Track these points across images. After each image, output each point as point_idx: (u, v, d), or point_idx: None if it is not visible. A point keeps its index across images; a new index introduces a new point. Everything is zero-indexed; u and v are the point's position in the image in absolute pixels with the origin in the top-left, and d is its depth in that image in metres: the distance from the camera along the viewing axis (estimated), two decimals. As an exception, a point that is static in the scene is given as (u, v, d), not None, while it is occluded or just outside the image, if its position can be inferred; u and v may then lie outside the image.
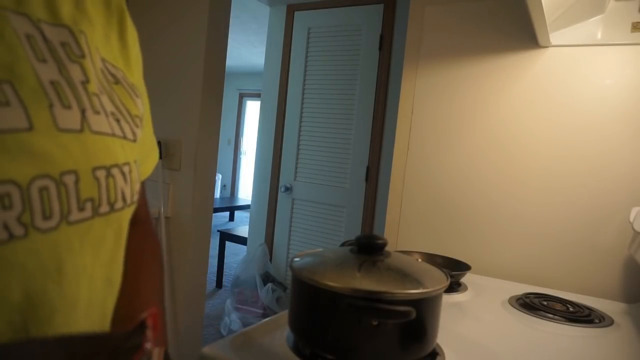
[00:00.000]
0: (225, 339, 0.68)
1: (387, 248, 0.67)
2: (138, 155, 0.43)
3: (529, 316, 0.91)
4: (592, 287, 1.14)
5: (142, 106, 0.45)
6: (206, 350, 0.65)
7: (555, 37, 1.18)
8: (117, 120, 0.39)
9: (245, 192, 7.30)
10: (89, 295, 0.36)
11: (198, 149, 1.73)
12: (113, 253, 0.40)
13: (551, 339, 0.82)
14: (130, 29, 0.47)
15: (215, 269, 3.69)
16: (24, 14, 0.33)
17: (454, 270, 1.04)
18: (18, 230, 0.29)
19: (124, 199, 0.38)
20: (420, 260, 0.95)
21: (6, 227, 0.28)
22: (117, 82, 0.42)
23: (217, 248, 3.60)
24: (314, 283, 0.60)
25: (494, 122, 1.29)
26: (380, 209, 2.54)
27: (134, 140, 0.42)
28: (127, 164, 0.39)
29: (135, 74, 0.47)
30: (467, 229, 1.32)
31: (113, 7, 0.44)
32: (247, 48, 5.02)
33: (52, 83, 0.33)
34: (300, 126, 2.82)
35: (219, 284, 3.65)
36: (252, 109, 7.26)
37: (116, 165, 0.37)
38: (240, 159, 7.46)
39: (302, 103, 2.81)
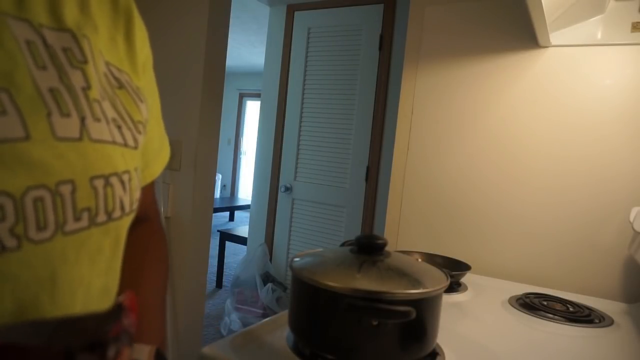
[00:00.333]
0: (225, 339, 0.68)
1: (387, 248, 0.67)
2: (139, 162, 0.43)
3: (529, 316, 0.91)
4: (592, 287, 1.14)
5: (146, 111, 0.45)
6: (206, 350, 0.65)
7: (555, 37, 1.18)
8: (119, 127, 0.39)
9: (245, 192, 7.30)
10: (84, 304, 0.35)
11: (198, 149, 1.73)
12: (110, 262, 0.39)
13: (551, 339, 0.82)
14: (139, 30, 0.46)
15: (215, 269, 3.69)
16: (26, 19, 0.32)
17: (454, 270, 1.04)
18: (10, 242, 0.29)
19: (122, 207, 0.38)
20: (420, 260, 0.95)
21: None
22: (121, 86, 0.41)
23: (217, 248, 3.61)
24: (314, 283, 0.60)
25: (494, 122, 1.29)
26: (380, 209, 2.54)
27: (135, 148, 0.42)
28: (127, 172, 0.39)
29: (143, 76, 0.46)
30: (467, 229, 1.32)
31: (120, 8, 0.43)
32: (247, 48, 5.02)
33: (51, 91, 0.32)
34: (300, 126, 2.82)
35: (219, 284, 3.65)
36: (252, 109, 7.26)
37: (115, 174, 0.37)
38: (240, 159, 7.46)
39: (302, 103, 2.81)
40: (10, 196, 0.29)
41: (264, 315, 2.76)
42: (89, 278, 0.35)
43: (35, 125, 0.31)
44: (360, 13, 2.60)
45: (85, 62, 0.36)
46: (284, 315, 0.76)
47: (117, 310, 0.26)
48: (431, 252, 1.18)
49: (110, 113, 0.38)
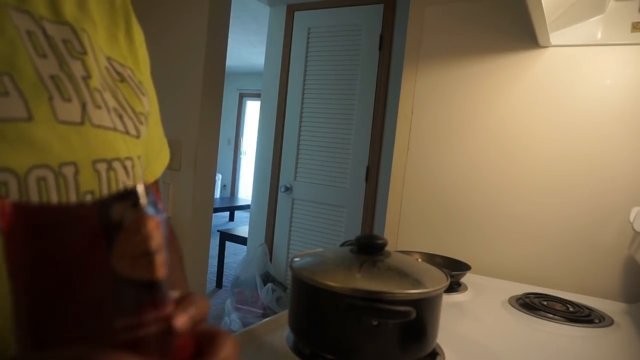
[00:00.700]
0: (225, 339, 0.68)
1: (387, 248, 0.67)
2: (142, 151, 0.43)
3: (529, 316, 0.91)
4: (592, 287, 1.14)
5: (147, 104, 0.45)
6: (206, 350, 0.64)
7: (555, 37, 1.18)
8: (120, 116, 0.39)
9: (245, 192, 7.30)
10: None
11: (198, 149, 1.73)
12: None
13: (551, 339, 0.82)
14: (137, 33, 0.47)
15: (215, 269, 3.69)
16: (26, 11, 0.33)
17: (454, 270, 1.04)
18: None
19: None
20: (420, 260, 0.95)
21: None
22: (122, 80, 0.42)
23: (217, 248, 3.61)
24: (314, 283, 0.60)
25: (494, 122, 1.29)
26: (380, 209, 2.54)
27: (137, 137, 0.42)
28: (130, 158, 0.39)
29: (144, 74, 0.47)
30: (467, 229, 1.32)
31: (117, 7, 0.44)
32: (247, 48, 5.02)
33: (52, 77, 0.33)
34: (300, 126, 2.82)
35: (219, 284, 3.65)
36: (252, 109, 7.26)
37: (118, 159, 0.37)
38: (240, 159, 7.46)
39: (302, 103, 2.81)
40: (14, 174, 0.29)
41: (264, 315, 2.76)
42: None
43: (37, 107, 0.31)
44: (360, 13, 2.60)
45: (85, 53, 0.37)
46: (284, 315, 0.76)
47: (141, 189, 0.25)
48: (431, 252, 1.18)
49: (112, 103, 0.39)
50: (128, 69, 0.43)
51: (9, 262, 0.23)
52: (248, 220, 3.15)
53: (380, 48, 2.53)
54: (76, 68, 0.35)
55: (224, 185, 7.41)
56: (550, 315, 0.91)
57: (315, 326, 0.63)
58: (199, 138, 1.73)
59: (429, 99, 1.39)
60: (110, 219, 0.23)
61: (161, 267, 0.24)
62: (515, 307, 0.96)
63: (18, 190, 0.29)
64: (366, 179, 2.59)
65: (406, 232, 1.42)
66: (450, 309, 0.90)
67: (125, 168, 0.38)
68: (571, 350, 0.78)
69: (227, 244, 3.74)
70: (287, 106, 2.88)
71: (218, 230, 3.73)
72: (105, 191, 0.35)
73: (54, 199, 0.31)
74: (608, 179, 1.14)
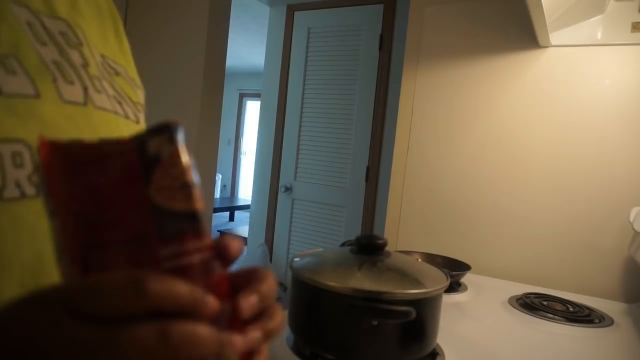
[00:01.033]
0: (225, 339, 0.68)
1: (387, 248, 0.67)
2: None
3: (529, 316, 0.91)
4: (592, 287, 1.14)
5: (143, 98, 0.47)
6: (206, 350, 0.64)
7: (555, 37, 1.18)
8: (119, 103, 0.40)
9: (245, 192, 7.29)
10: None
11: (198, 149, 1.73)
12: None
13: (551, 339, 0.82)
14: (126, 40, 0.48)
15: (215, 269, 3.68)
16: (24, 5, 0.34)
17: (454, 270, 1.04)
18: (29, 190, 0.30)
19: None
20: (420, 260, 0.95)
21: (18, 185, 0.29)
22: (117, 74, 0.43)
23: (217, 248, 3.59)
24: (314, 283, 0.60)
25: (494, 121, 1.29)
26: (380, 209, 2.54)
27: (137, 122, 0.43)
28: None
29: (136, 76, 0.48)
30: (467, 229, 1.32)
31: (104, 11, 0.45)
32: (247, 48, 5.02)
33: (54, 62, 0.34)
34: (300, 126, 2.82)
35: (219, 284, 3.64)
36: (252, 109, 7.25)
37: None
38: (240, 159, 7.46)
39: (302, 103, 2.81)
40: (26, 145, 0.30)
41: (264, 315, 2.75)
42: None
43: (43, 87, 0.32)
44: (360, 13, 2.60)
45: (81, 44, 0.38)
46: (284, 315, 0.76)
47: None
48: (431, 252, 1.18)
49: (110, 91, 0.40)
50: (121, 66, 0.44)
51: (52, 198, 0.24)
52: (248, 220, 3.14)
53: (380, 48, 2.53)
54: (75, 56, 0.37)
55: (224, 185, 7.40)
56: (550, 315, 0.91)
57: (315, 326, 0.63)
58: (199, 138, 1.73)
59: (429, 99, 1.39)
60: (148, 153, 0.24)
61: (198, 199, 0.25)
62: (515, 307, 0.96)
63: (32, 162, 0.30)
64: (366, 179, 2.59)
65: (406, 232, 1.42)
66: (450, 309, 0.90)
67: None
68: (571, 350, 0.78)
69: (227, 244, 3.72)
70: (287, 106, 2.88)
71: (218, 230, 3.73)
72: None
73: None
74: (608, 179, 1.14)
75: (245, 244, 3.27)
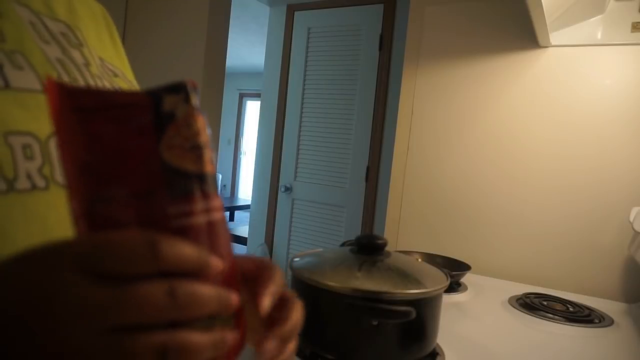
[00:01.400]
0: (225, 339, 0.68)
1: (387, 248, 0.67)
2: None
3: (529, 316, 0.91)
4: (592, 287, 1.14)
5: None
6: (206, 350, 0.64)
7: (555, 37, 1.18)
8: None
9: (245, 192, 7.29)
10: None
11: (198, 149, 1.73)
12: None
13: (551, 339, 0.82)
14: (121, 47, 0.49)
15: (215, 269, 3.68)
16: (26, 5, 0.35)
17: (454, 270, 1.04)
18: (40, 182, 0.30)
19: None
20: (420, 260, 0.95)
21: (29, 176, 0.29)
22: (116, 75, 0.44)
23: (217, 248, 3.59)
24: (314, 283, 0.60)
25: (494, 121, 1.29)
26: (380, 209, 2.54)
27: None
28: None
29: (133, 80, 0.48)
30: (467, 229, 1.32)
31: (99, 17, 0.46)
32: (247, 48, 5.02)
33: (58, 60, 0.35)
34: (300, 126, 2.82)
35: (219, 284, 3.64)
36: (252, 109, 7.25)
37: None
38: (240, 159, 7.46)
39: (302, 103, 2.81)
40: (36, 138, 0.30)
41: (264, 315, 2.75)
42: None
43: None
44: (360, 13, 2.60)
45: (81, 45, 0.39)
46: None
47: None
48: (431, 252, 1.18)
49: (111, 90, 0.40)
50: (119, 70, 0.45)
51: (61, 145, 0.23)
52: (248, 220, 3.14)
53: (380, 48, 2.53)
54: (76, 56, 0.38)
55: (224, 185, 7.40)
56: (550, 315, 0.91)
57: (315, 326, 0.63)
58: (199, 138, 1.73)
59: (429, 99, 1.39)
60: (163, 110, 0.23)
61: (209, 162, 0.25)
62: (515, 307, 0.96)
63: (41, 154, 0.30)
64: (366, 179, 2.59)
65: (406, 232, 1.42)
66: (450, 309, 0.90)
67: None
68: (571, 350, 0.78)
69: (227, 244, 3.72)
70: (287, 106, 2.88)
71: (218, 230, 3.72)
72: None
73: None
74: (608, 179, 1.14)
75: (245, 244, 3.27)
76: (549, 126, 1.22)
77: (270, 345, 0.28)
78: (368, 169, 2.58)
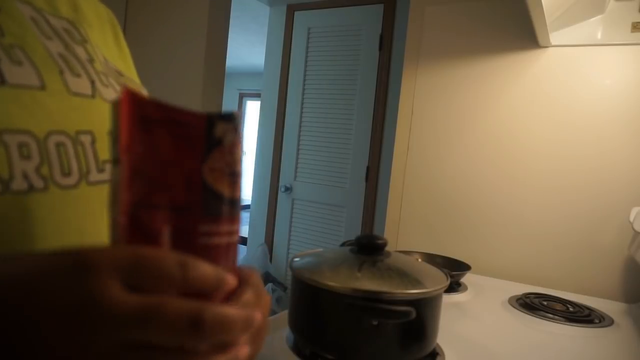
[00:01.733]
0: (225, 339, 0.68)
1: (387, 248, 0.67)
2: None
3: (529, 316, 0.91)
4: (592, 287, 1.14)
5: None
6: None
7: (555, 37, 1.18)
8: None
9: (245, 192, 7.28)
10: None
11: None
12: None
13: (551, 339, 0.82)
14: (126, 48, 0.48)
15: (215, 269, 3.68)
16: (28, 2, 0.34)
17: (454, 270, 1.04)
18: (37, 182, 0.29)
19: None
20: (420, 260, 0.95)
21: (26, 176, 0.28)
22: (121, 75, 0.43)
23: (217, 248, 3.59)
24: (314, 283, 0.60)
25: (494, 122, 1.29)
26: (380, 209, 2.54)
27: None
28: None
29: (137, 80, 0.47)
30: (467, 229, 1.32)
31: (104, 18, 0.45)
32: (247, 48, 5.02)
33: (61, 55, 0.34)
34: (300, 126, 2.82)
35: (219, 284, 3.64)
36: (252, 109, 7.25)
37: None
38: (240, 159, 7.46)
39: (302, 103, 2.81)
40: (33, 136, 0.29)
41: (264, 315, 2.75)
42: None
43: (50, 79, 0.32)
44: (360, 13, 2.60)
45: (85, 41, 0.38)
46: (284, 315, 0.76)
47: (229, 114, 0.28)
48: (431, 252, 1.18)
49: (117, 86, 0.39)
50: (122, 70, 0.44)
51: (119, 146, 0.25)
52: (248, 220, 3.14)
53: (380, 48, 2.53)
54: (80, 51, 0.36)
55: (224, 185, 7.39)
56: (550, 315, 0.91)
57: (315, 326, 0.63)
58: (199, 138, 1.73)
59: (429, 99, 1.39)
60: (214, 135, 0.26)
61: (240, 188, 0.27)
62: (515, 307, 0.96)
63: (39, 153, 0.29)
64: (366, 179, 2.59)
65: (406, 232, 1.42)
66: (450, 309, 0.90)
67: None
68: (571, 350, 0.78)
69: (227, 244, 3.72)
70: (287, 106, 2.88)
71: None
72: None
73: (74, 165, 0.31)
74: (608, 179, 1.14)
75: (245, 244, 3.27)
76: (549, 126, 1.22)
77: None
78: (368, 169, 2.58)
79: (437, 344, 0.68)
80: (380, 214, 2.54)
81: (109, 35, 0.45)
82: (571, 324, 0.88)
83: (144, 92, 0.45)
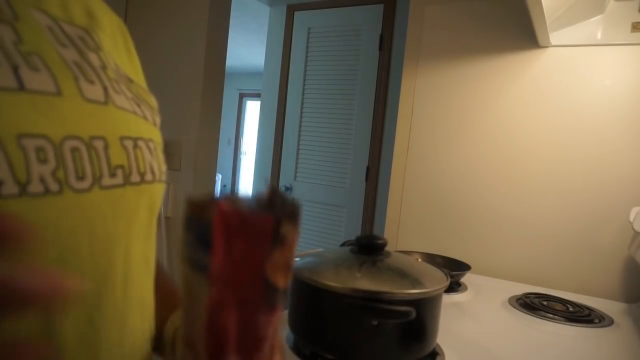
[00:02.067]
0: (225, 339, 0.68)
1: (387, 248, 0.67)
2: (159, 140, 0.44)
3: (529, 316, 0.91)
4: (592, 287, 1.14)
5: (156, 105, 0.47)
6: (206, 350, 0.64)
7: (555, 37, 1.18)
8: (137, 105, 0.41)
9: (245, 192, 7.28)
10: (124, 267, 0.36)
11: (198, 149, 1.73)
12: (147, 228, 0.40)
13: (551, 339, 0.82)
14: (136, 56, 0.48)
15: (215, 269, 3.68)
16: (43, 10, 0.35)
17: (454, 270, 1.04)
18: (53, 186, 0.29)
19: (152, 172, 0.39)
20: (420, 260, 0.95)
21: (42, 180, 0.29)
22: (131, 81, 0.43)
23: (217, 248, 3.59)
24: (314, 283, 0.60)
25: (494, 122, 1.29)
26: (380, 209, 2.54)
27: (154, 125, 0.43)
28: (151, 140, 0.40)
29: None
30: (467, 229, 1.32)
31: (115, 27, 0.46)
32: (247, 48, 5.02)
33: (75, 63, 0.35)
34: (300, 126, 2.82)
35: (219, 284, 3.64)
36: (252, 109, 7.25)
37: (141, 139, 0.38)
38: (240, 159, 7.46)
39: (302, 103, 2.81)
40: (50, 141, 0.30)
41: (264, 315, 2.75)
42: (126, 239, 0.36)
43: (65, 85, 0.32)
44: (360, 13, 2.59)
45: (99, 49, 0.39)
46: (284, 315, 0.76)
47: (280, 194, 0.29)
48: (431, 252, 1.18)
49: (128, 93, 0.40)
50: (132, 78, 0.45)
51: (213, 252, 0.27)
52: (248, 220, 3.14)
53: (380, 48, 2.53)
54: (93, 59, 0.37)
55: (224, 185, 7.40)
56: (550, 315, 0.91)
57: (315, 326, 0.63)
58: (199, 138, 1.73)
59: (429, 99, 1.39)
60: (280, 234, 0.27)
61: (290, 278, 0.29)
62: (515, 307, 0.96)
63: (55, 157, 0.30)
64: (366, 179, 2.59)
65: (406, 232, 1.42)
66: (450, 309, 0.90)
67: (148, 148, 0.39)
68: (571, 350, 0.78)
69: (227, 244, 3.72)
70: (287, 106, 2.88)
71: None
72: (134, 168, 0.37)
73: (88, 169, 0.32)
74: (608, 179, 1.14)
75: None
76: (549, 127, 1.21)
77: None
78: (368, 169, 2.58)
79: (437, 344, 0.68)
80: (380, 214, 2.54)
81: (120, 42, 0.46)
82: (571, 324, 0.88)
83: (153, 100, 0.46)
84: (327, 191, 2.72)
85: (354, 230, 2.61)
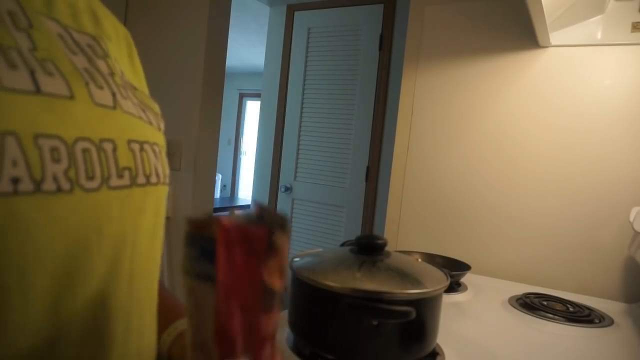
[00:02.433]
0: (225, 339, 0.68)
1: (387, 248, 0.67)
2: (164, 145, 0.46)
3: (529, 316, 0.91)
4: (592, 287, 1.14)
5: (159, 111, 0.49)
6: (206, 350, 0.64)
7: (555, 37, 1.18)
8: (143, 110, 0.42)
9: (245, 192, 7.29)
10: (130, 267, 0.37)
11: (198, 149, 1.73)
12: (153, 229, 0.41)
13: (551, 339, 0.82)
14: (139, 65, 0.50)
15: (215, 269, 3.68)
16: (55, 19, 0.37)
17: (454, 270, 1.04)
18: (65, 185, 0.31)
19: (157, 174, 0.41)
20: (420, 260, 0.95)
21: (55, 179, 0.30)
22: (135, 89, 0.45)
23: (217, 248, 3.59)
24: (314, 283, 0.60)
25: (494, 122, 1.29)
26: (380, 209, 2.54)
27: (159, 130, 0.45)
28: (156, 144, 0.42)
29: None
30: (467, 229, 1.32)
31: (120, 35, 0.48)
32: (247, 48, 5.02)
33: (85, 69, 0.36)
34: (300, 126, 2.82)
35: (219, 284, 3.64)
36: (252, 109, 7.25)
37: (147, 142, 0.40)
38: (240, 159, 7.45)
39: (302, 103, 2.81)
40: (63, 141, 0.31)
41: (264, 315, 2.75)
42: (132, 239, 0.37)
43: (77, 89, 0.34)
44: (360, 13, 2.60)
45: (107, 56, 0.41)
46: (283, 315, 0.76)
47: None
48: (431, 252, 1.18)
49: (134, 99, 0.42)
50: (135, 84, 0.46)
51: (218, 271, 0.30)
52: (248, 220, 3.14)
53: (380, 48, 2.53)
54: (102, 65, 0.39)
55: (224, 185, 7.40)
56: (550, 315, 0.91)
57: (315, 326, 0.63)
58: (199, 138, 1.73)
59: (429, 99, 1.39)
60: (274, 243, 0.30)
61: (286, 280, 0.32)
62: (515, 307, 0.96)
63: (67, 157, 0.31)
64: (366, 179, 2.59)
65: (406, 232, 1.42)
66: (450, 309, 0.90)
67: (154, 151, 0.41)
68: (571, 350, 0.78)
69: (227, 244, 3.72)
70: (287, 106, 2.88)
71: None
72: (140, 170, 0.38)
73: (97, 170, 0.34)
74: (608, 179, 1.14)
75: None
76: (549, 126, 1.21)
77: None
78: (368, 169, 2.58)
79: (437, 344, 0.68)
80: (380, 214, 2.54)
81: (124, 51, 0.48)
82: (571, 324, 0.88)
83: (156, 106, 0.47)
84: (327, 191, 2.72)
85: (354, 230, 2.61)
